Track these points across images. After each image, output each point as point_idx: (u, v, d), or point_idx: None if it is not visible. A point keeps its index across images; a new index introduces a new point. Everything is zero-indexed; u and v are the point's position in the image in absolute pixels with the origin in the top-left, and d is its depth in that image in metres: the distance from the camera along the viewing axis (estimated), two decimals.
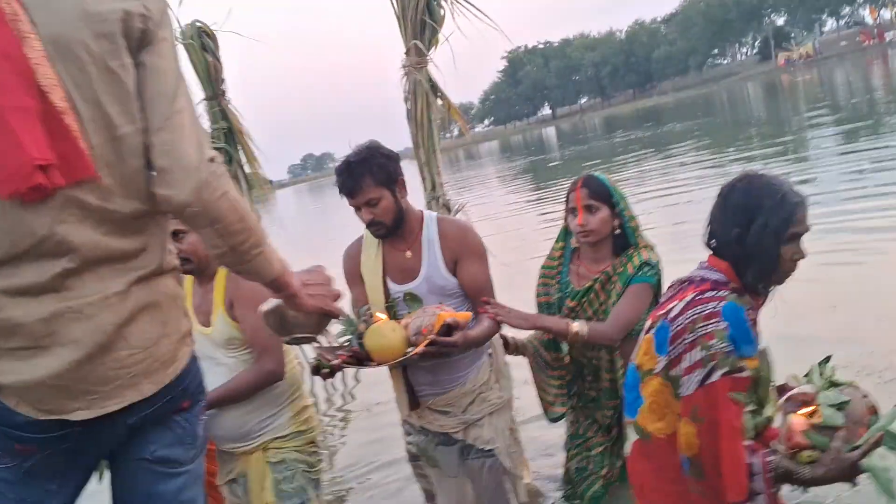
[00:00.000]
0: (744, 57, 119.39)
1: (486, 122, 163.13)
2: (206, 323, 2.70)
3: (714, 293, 2.00)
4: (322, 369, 2.54)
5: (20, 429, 1.57)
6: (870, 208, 7.49)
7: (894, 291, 4.87)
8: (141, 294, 1.63)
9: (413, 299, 2.72)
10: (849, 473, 1.83)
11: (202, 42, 5.29)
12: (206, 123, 5.55)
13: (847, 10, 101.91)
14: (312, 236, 19.90)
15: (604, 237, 2.92)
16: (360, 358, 2.55)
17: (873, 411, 1.88)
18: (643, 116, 49.40)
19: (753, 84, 60.85)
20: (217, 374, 2.64)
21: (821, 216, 7.66)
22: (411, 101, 4.68)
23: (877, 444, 1.80)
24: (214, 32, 5.36)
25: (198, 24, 5.30)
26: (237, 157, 5.67)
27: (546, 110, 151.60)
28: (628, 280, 2.87)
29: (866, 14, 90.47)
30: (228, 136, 5.58)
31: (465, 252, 2.77)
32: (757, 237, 1.96)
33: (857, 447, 1.81)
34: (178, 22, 5.29)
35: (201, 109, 5.54)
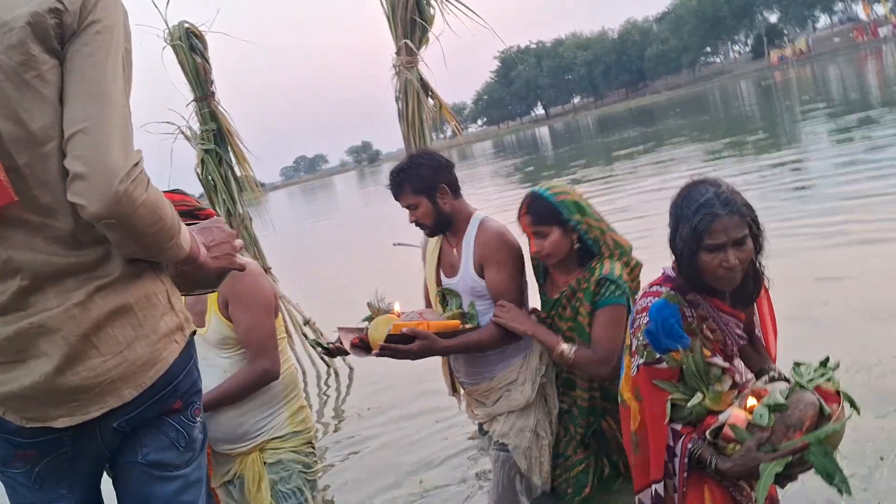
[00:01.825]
0: (737, 55, 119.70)
1: (480, 122, 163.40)
2: (201, 323, 2.67)
3: (657, 288, 2.26)
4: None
5: (15, 435, 1.60)
6: (862, 203, 7.47)
7: (887, 287, 4.85)
8: (105, 301, 1.59)
9: (450, 294, 3.04)
10: (753, 473, 1.93)
11: (190, 43, 5.27)
12: (195, 124, 5.52)
13: (840, 5, 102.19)
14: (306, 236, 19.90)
15: (565, 254, 2.88)
16: (367, 344, 2.85)
17: (814, 420, 1.91)
18: (636, 116, 49.51)
19: (746, 82, 61.03)
20: (211, 376, 2.61)
21: (814, 213, 7.67)
22: (402, 101, 4.67)
23: (801, 454, 1.88)
24: (203, 33, 5.33)
25: (185, 24, 5.27)
26: (227, 159, 5.64)
27: (539, 110, 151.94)
28: (593, 299, 2.82)
29: (859, 10, 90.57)
30: (218, 137, 5.55)
31: (488, 257, 2.95)
32: (677, 243, 2.17)
33: (775, 450, 1.88)
34: (166, 23, 5.26)
35: (191, 110, 5.51)
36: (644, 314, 2.21)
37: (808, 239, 6.45)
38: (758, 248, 2.19)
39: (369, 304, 2.94)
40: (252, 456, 2.71)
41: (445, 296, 3.06)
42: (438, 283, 3.16)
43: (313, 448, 2.85)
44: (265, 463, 2.71)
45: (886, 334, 4.18)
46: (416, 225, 3.04)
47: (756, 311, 2.38)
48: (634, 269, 2.87)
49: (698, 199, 2.13)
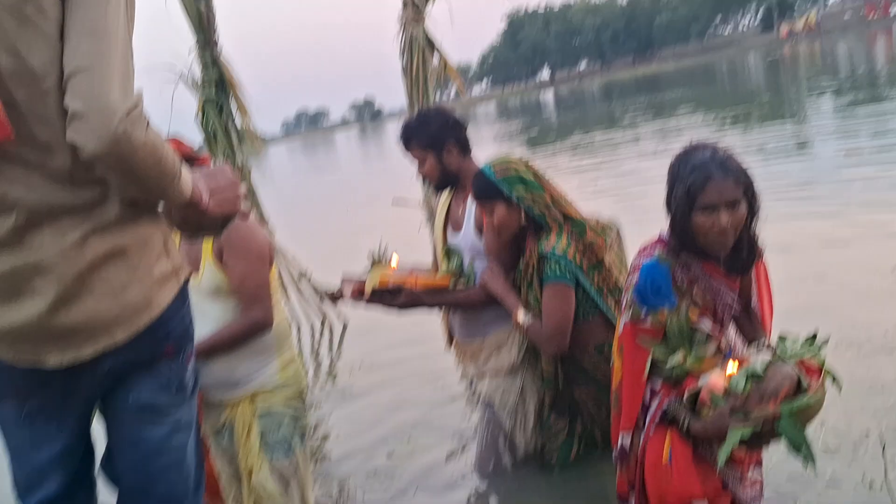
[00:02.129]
0: (745, 28, 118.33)
1: (484, 83, 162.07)
2: (195, 271, 2.66)
3: (650, 248, 2.29)
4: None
5: (5, 372, 1.61)
6: (861, 181, 7.46)
7: (880, 264, 4.86)
8: (101, 243, 1.59)
9: (452, 253, 3.13)
10: (723, 436, 1.95)
11: None
12: (196, 71, 5.47)
13: None
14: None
15: (516, 228, 2.88)
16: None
17: (790, 393, 1.92)
18: (643, 85, 49.13)
19: (755, 55, 60.46)
20: (204, 325, 2.60)
21: (811, 191, 7.66)
22: (406, 57, 4.63)
23: (771, 425, 1.90)
24: None
25: None
26: (228, 109, 5.60)
27: (545, 74, 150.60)
28: (540, 275, 2.85)
29: None
30: (219, 86, 5.50)
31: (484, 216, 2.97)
32: (672, 203, 2.19)
33: (747, 417, 1.91)
34: None
35: (193, 57, 5.45)
36: (636, 273, 2.26)
37: (809, 208, 6.49)
38: (752, 215, 2.20)
39: (371, 255, 3.05)
40: (243, 405, 2.72)
41: (450, 253, 3.15)
42: (445, 239, 3.22)
43: (304, 400, 2.87)
44: (256, 413, 2.72)
45: (878, 311, 4.20)
46: (423, 179, 3.17)
47: (754, 282, 2.40)
48: (593, 243, 2.83)
49: (695, 160, 2.15)
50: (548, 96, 72.89)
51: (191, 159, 2.67)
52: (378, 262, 3.04)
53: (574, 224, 2.85)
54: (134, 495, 1.81)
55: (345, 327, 6.24)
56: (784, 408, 1.88)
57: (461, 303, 3.06)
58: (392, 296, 2.94)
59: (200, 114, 5.56)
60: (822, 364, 2.00)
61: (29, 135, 1.50)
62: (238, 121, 5.72)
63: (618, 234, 2.99)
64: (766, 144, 11.40)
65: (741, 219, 2.15)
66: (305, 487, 2.87)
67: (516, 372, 3.07)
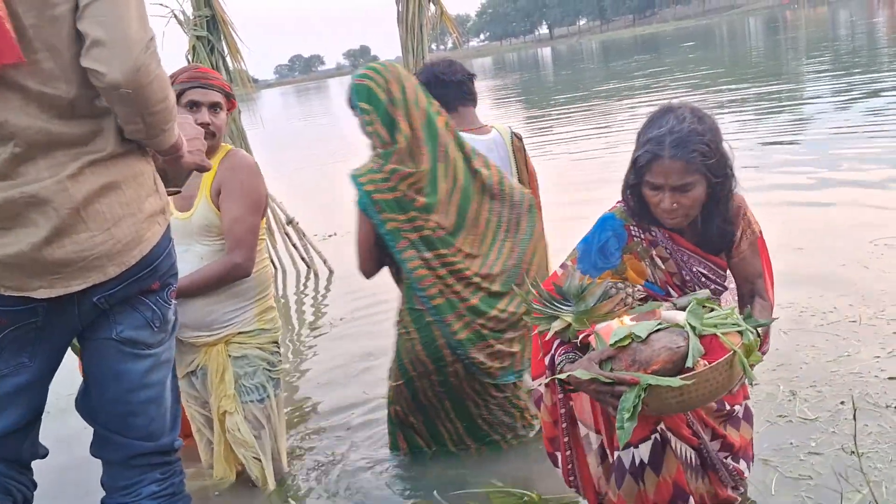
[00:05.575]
0: None
1: (482, 36, 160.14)
2: (187, 207, 2.65)
3: (618, 202, 2.24)
4: None
5: None
6: (850, 154, 7.45)
7: (864, 236, 4.88)
8: (97, 177, 1.59)
9: None
10: (589, 390, 1.84)
11: None
12: (188, 9, 5.37)
13: None
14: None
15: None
16: None
17: (666, 366, 1.77)
18: (642, 44, 48.63)
19: (755, 19, 59.86)
20: (188, 262, 2.61)
21: (802, 160, 7.66)
22: (402, 2, 4.55)
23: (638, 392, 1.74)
24: None
25: None
26: (220, 48, 5.51)
27: (543, 29, 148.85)
28: None
29: None
30: (211, 24, 5.40)
31: None
32: (627, 170, 2.13)
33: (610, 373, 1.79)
34: None
35: None
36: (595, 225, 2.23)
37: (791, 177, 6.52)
38: (720, 195, 2.08)
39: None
40: (217, 347, 2.73)
41: None
42: None
43: (278, 347, 2.88)
44: (230, 356, 2.73)
45: (845, 279, 4.24)
46: None
47: (755, 258, 2.25)
48: (406, 179, 2.65)
49: (652, 131, 2.04)
50: (546, 52, 72.04)
51: (229, 96, 2.69)
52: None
53: (385, 149, 2.67)
54: (112, 430, 1.82)
55: (331, 273, 6.24)
56: (644, 380, 1.73)
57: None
58: None
59: (191, 52, 5.47)
60: (736, 350, 1.77)
61: (33, 62, 1.49)
62: (229, 62, 5.63)
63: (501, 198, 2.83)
64: (748, 102, 11.36)
65: (693, 201, 2.04)
66: (278, 435, 2.90)
67: None
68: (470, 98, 3.14)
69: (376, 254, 2.75)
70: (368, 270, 2.81)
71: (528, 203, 2.90)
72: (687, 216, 2.09)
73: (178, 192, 1.99)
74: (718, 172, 2.04)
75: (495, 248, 2.80)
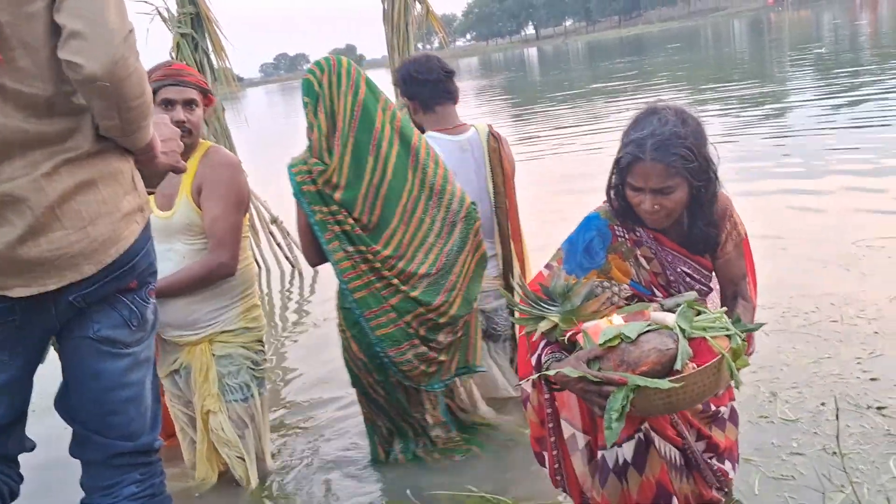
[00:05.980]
0: None
1: (468, 36, 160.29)
2: (167, 206, 2.63)
3: (602, 202, 2.22)
4: None
5: None
6: (833, 156, 7.51)
7: (847, 237, 4.91)
8: (72, 175, 1.58)
9: None
10: (576, 389, 1.84)
11: None
12: (172, 6, 5.33)
13: None
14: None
15: None
16: None
17: (655, 367, 1.76)
18: (627, 46, 48.79)
19: (740, 22, 60.20)
20: (170, 261, 2.59)
21: (784, 162, 7.71)
22: (389, 1, 4.53)
23: (625, 392, 1.74)
24: None
25: None
26: (204, 46, 5.47)
27: (530, 30, 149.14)
28: None
29: None
30: (196, 22, 5.36)
31: None
32: (611, 170, 2.13)
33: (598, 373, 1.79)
34: None
35: None
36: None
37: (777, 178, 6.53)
38: (703, 198, 2.08)
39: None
40: (201, 346, 2.71)
41: None
42: None
43: (263, 346, 2.86)
44: (214, 355, 2.71)
45: (828, 280, 4.25)
46: None
47: (740, 260, 2.26)
48: (322, 173, 2.60)
49: (635, 133, 2.04)
50: (532, 52, 72.13)
51: (205, 92, 2.66)
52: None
53: (319, 141, 2.63)
54: (92, 430, 1.80)
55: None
56: (633, 381, 1.73)
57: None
58: None
59: (175, 49, 5.43)
60: (723, 353, 1.76)
61: (8, 60, 1.47)
62: (214, 59, 5.60)
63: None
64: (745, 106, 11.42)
65: (675, 204, 2.04)
66: (262, 435, 2.88)
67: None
68: (448, 96, 3.10)
69: (317, 243, 2.71)
70: (311, 259, 2.77)
71: (465, 212, 2.81)
72: (669, 217, 2.09)
73: (153, 193, 1.97)
74: (700, 176, 2.03)
75: (423, 250, 2.73)
